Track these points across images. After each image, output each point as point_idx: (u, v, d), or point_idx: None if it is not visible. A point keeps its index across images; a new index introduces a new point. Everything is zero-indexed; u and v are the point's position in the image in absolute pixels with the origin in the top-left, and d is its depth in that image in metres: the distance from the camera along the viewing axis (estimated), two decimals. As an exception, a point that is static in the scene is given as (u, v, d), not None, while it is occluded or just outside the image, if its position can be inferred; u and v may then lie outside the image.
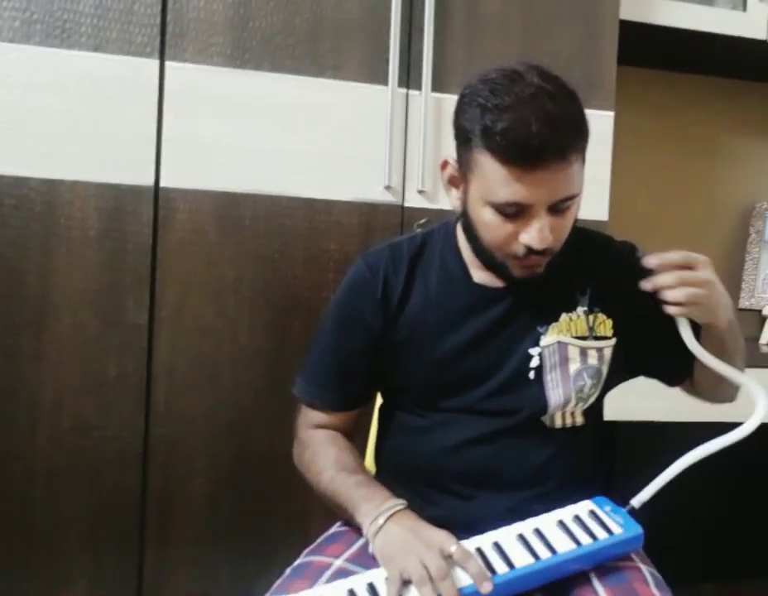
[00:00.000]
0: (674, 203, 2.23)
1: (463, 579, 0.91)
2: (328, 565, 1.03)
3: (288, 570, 1.05)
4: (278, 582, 1.03)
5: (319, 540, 1.12)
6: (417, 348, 1.10)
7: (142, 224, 1.46)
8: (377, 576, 0.94)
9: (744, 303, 2.20)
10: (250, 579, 1.49)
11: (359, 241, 1.54)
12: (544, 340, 1.08)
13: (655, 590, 0.99)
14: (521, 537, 0.97)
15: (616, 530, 0.98)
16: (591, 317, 1.09)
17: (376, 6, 1.55)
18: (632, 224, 2.10)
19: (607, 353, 1.10)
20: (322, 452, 1.12)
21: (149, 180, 1.46)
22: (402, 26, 1.55)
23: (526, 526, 0.99)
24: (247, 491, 1.53)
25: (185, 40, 1.47)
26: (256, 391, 1.52)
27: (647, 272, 1.12)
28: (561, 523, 0.99)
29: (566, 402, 1.08)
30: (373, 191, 1.57)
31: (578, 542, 0.96)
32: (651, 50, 2.00)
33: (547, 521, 1.00)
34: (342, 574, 1.01)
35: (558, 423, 1.10)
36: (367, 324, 1.11)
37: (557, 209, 0.97)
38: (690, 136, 2.24)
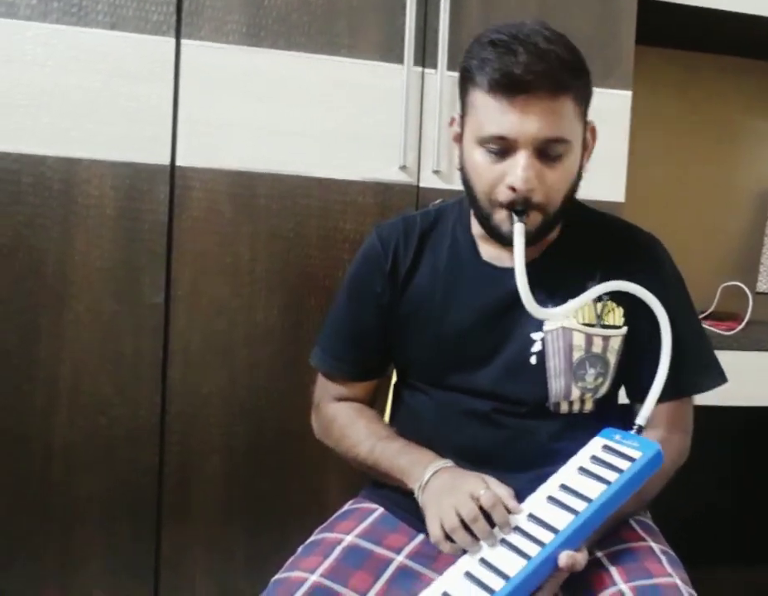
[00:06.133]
0: (691, 185, 2.21)
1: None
2: (340, 541, 1.03)
3: (300, 548, 1.06)
4: (291, 559, 1.04)
5: (330, 519, 1.13)
6: (422, 323, 1.10)
7: (158, 203, 1.46)
8: (447, 582, 0.93)
9: (762, 287, 2.18)
10: (265, 556, 1.50)
11: (374, 221, 1.53)
12: (548, 325, 1.05)
13: (668, 567, 0.98)
14: (552, 499, 0.96)
15: (636, 454, 0.96)
16: (599, 305, 1.06)
17: (392, -16, 1.54)
18: (649, 206, 2.09)
19: (615, 342, 1.07)
20: (351, 425, 1.13)
21: (165, 159, 1.46)
22: (418, 4, 1.54)
23: (552, 485, 0.98)
24: (262, 468, 1.54)
25: (201, 19, 1.47)
26: (272, 369, 1.53)
27: (664, 271, 1.10)
28: (582, 469, 0.98)
29: (567, 393, 1.06)
30: (388, 171, 1.56)
31: (606, 482, 0.94)
32: (670, 29, 1.97)
33: (569, 473, 0.99)
34: (353, 549, 1.02)
35: (563, 409, 1.08)
36: (377, 296, 1.11)
37: (546, 154, 0.96)
38: (709, 117, 2.21)
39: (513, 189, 0.96)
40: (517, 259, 0.97)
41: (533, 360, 1.06)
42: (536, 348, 1.06)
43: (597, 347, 1.06)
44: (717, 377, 1.12)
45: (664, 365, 1.01)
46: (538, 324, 1.06)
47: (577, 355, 1.06)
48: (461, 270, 1.09)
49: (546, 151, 0.96)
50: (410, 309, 1.10)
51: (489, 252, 1.09)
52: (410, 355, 1.13)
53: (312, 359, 1.19)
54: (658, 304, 1.02)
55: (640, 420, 1.02)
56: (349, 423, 1.13)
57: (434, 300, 1.09)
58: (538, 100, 0.93)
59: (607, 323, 1.07)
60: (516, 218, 0.97)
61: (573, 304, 1.02)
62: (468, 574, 0.90)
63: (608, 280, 1.05)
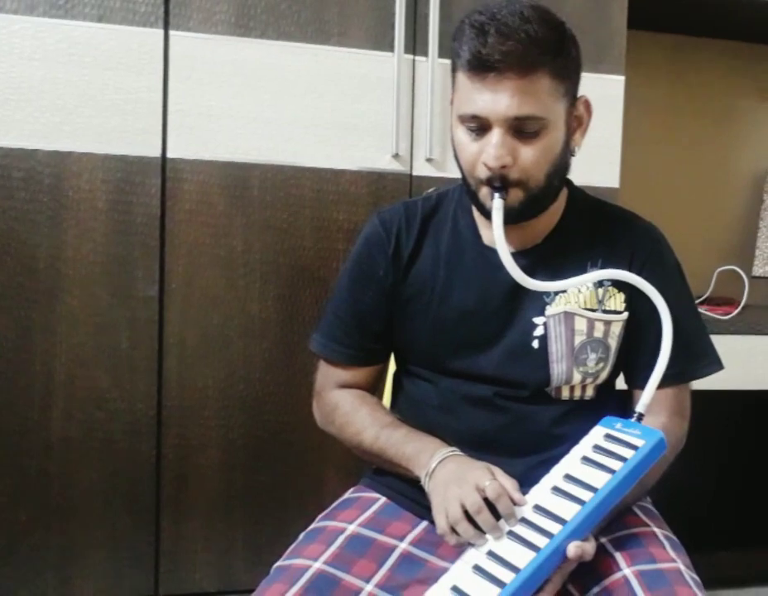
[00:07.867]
0: (686, 169, 2.21)
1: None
2: (342, 530, 1.03)
3: (302, 535, 1.06)
4: (292, 546, 1.04)
5: (332, 506, 1.13)
6: (424, 307, 1.10)
7: (150, 196, 1.46)
8: (455, 576, 0.92)
9: (758, 270, 2.18)
10: (264, 546, 1.51)
11: (367, 210, 1.54)
12: (550, 310, 1.06)
13: (671, 552, 0.99)
14: (557, 490, 0.95)
15: (639, 442, 0.95)
16: (600, 290, 1.07)
17: (382, -29, 1.53)
18: (644, 191, 2.08)
19: (616, 327, 1.07)
20: (354, 412, 1.12)
21: (156, 152, 1.46)
22: (408, -9, 1.54)
23: (555, 476, 0.97)
24: (259, 460, 1.54)
25: (189, 9, 1.46)
26: (267, 361, 1.53)
27: (663, 258, 1.10)
28: (586, 459, 0.97)
29: (569, 377, 1.07)
30: (381, 160, 1.56)
31: (611, 471, 0.93)
32: (662, 13, 1.97)
33: (572, 463, 0.98)
34: (355, 538, 1.02)
35: (564, 395, 1.08)
36: (379, 280, 1.11)
37: (521, 131, 0.97)
38: (703, 102, 2.20)
39: (487, 166, 0.98)
40: (497, 233, 0.98)
41: (535, 344, 1.06)
42: (538, 332, 1.06)
43: (598, 331, 1.07)
44: (715, 363, 1.13)
45: (664, 353, 1.00)
46: (540, 309, 1.06)
47: (578, 339, 1.06)
48: (462, 254, 1.10)
49: (520, 129, 0.97)
50: (412, 293, 1.11)
51: (490, 236, 1.08)
52: (411, 340, 1.13)
53: (312, 345, 1.18)
54: (656, 293, 1.01)
55: (639, 407, 1.00)
56: (352, 410, 1.12)
57: (435, 285, 1.10)
58: (507, 79, 0.94)
59: (608, 308, 1.07)
60: (495, 194, 0.99)
61: (571, 281, 1.02)
62: (477, 568, 0.90)
63: (611, 265, 1.05)
